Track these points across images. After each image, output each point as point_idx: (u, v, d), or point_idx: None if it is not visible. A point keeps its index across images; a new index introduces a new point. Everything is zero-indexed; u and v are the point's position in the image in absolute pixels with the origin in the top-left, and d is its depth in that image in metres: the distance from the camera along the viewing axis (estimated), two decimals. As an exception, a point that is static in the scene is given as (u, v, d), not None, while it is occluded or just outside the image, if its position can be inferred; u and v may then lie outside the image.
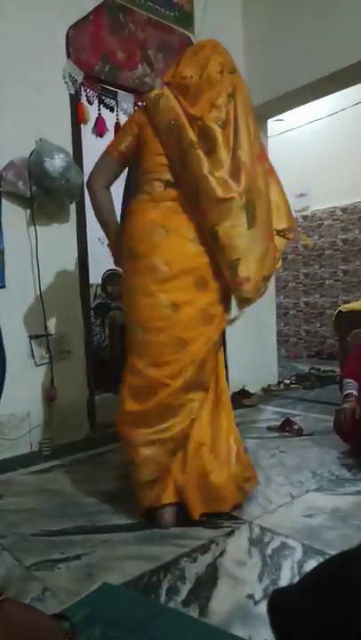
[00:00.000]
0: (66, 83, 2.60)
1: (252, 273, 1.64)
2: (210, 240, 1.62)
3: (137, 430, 1.59)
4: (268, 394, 3.58)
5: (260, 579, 1.27)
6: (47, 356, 2.49)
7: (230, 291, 1.71)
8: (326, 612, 0.55)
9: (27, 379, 2.44)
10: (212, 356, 1.67)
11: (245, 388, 3.37)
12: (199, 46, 1.80)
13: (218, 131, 1.58)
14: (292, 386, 3.77)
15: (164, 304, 1.59)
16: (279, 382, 3.80)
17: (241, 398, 3.28)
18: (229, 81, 1.70)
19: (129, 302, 1.66)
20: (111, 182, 1.78)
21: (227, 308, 1.75)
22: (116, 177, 1.80)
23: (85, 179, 2.46)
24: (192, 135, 1.58)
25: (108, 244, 1.82)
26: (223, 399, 1.75)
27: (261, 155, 1.73)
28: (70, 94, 2.61)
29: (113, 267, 4.04)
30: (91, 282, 2.81)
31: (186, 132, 1.58)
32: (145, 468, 1.58)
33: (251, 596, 1.20)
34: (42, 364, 2.49)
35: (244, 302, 1.74)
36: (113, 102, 2.77)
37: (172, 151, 1.63)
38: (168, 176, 1.64)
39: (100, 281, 3.77)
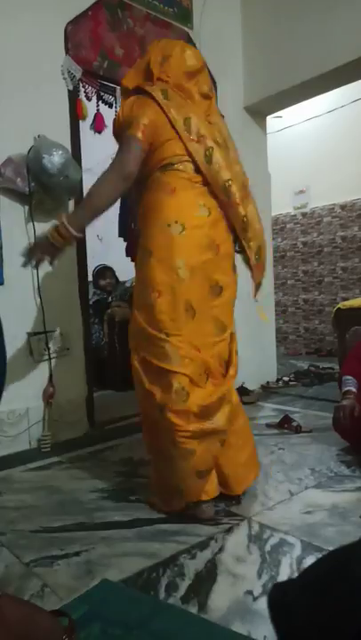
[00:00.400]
0: (64, 79, 2.59)
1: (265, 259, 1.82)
2: (238, 225, 1.74)
3: (198, 420, 1.56)
4: (267, 391, 3.59)
5: (260, 575, 1.28)
6: (46, 353, 2.48)
7: (253, 276, 1.85)
8: (326, 611, 0.55)
9: (25, 376, 2.44)
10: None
11: (244, 386, 3.37)
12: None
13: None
14: (291, 383, 3.78)
15: (214, 286, 1.66)
16: (278, 379, 3.80)
17: (240, 395, 3.27)
18: None
19: (180, 281, 1.60)
20: None
21: None
22: None
23: (84, 175, 2.47)
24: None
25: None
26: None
27: None
28: (69, 90, 2.60)
29: (103, 262, 4.09)
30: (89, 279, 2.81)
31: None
32: (203, 458, 1.57)
33: (250, 593, 1.20)
34: (41, 361, 2.48)
35: (258, 288, 1.88)
36: (112, 98, 2.76)
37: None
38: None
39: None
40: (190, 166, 1.68)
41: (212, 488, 1.63)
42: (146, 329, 1.61)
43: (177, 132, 1.67)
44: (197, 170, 1.68)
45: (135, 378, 1.68)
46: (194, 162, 1.68)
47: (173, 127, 1.66)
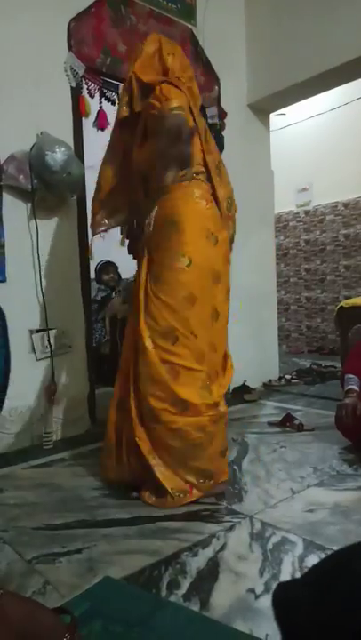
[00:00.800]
0: (67, 76, 2.58)
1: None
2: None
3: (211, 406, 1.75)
4: (269, 389, 3.58)
5: (261, 573, 1.27)
6: (48, 350, 2.48)
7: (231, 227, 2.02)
8: (327, 608, 0.54)
9: (28, 373, 2.44)
10: None
11: (246, 384, 3.37)
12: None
13: None
14: (293, 381, 3.77)
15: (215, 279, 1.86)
16: (280, 378, 3.80)
17: (242, 393, 3.28)
18: None
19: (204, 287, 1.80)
20: None
21: None
22: None
23: (86, 172, 2.48)
24: None
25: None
26: None
27: None
28: (72, 87, 2.60)
29: (106, 258, 4.09)
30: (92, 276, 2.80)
31: None
32: (220, 437, 1.78)
33: (252, 591, 1.20)
34: (43, 359, 2.48)
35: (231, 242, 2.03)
36: (114, 95, 2.75)
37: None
38: None
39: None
40: (204, 177, 1.85)
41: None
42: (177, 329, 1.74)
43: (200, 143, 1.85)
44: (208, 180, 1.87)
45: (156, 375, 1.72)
46: (207, 172, 1.78)
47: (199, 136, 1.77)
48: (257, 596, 1.18)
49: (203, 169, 1.87)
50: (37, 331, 2.46)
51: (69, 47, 2.58)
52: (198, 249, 1.76)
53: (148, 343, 1.72)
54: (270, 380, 3.71)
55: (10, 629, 0.57)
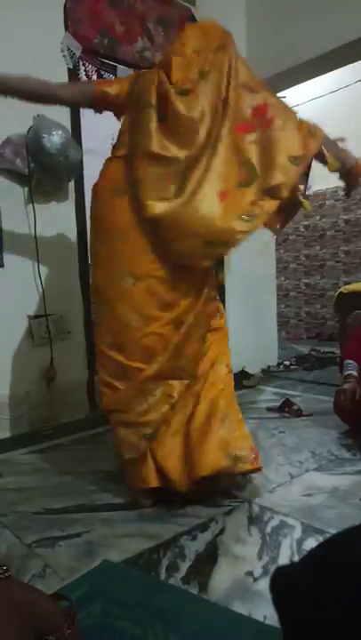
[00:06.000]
0: (64, 56, 2.53)
1: None
2: None
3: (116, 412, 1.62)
4: (268, 375, 3.59)
5: (260, 556, 1.28)
6: (46, 336, 2.48)
7: None
8: (328, 590, 0.54)
9: (26, 359, 2.44)
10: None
11: (245, 370, 3.37)
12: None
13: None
14: (292, 367, 3.78)
15: None
16: (279, 364, 3.80)
17: (241, 379, 3.28)
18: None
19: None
20: None
21: None
22: None
23: (85, 156, 2.44)
24: None
25: None
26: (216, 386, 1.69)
27: None
28: (69, 68, 2.55)
29: None
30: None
31: None
32: (123, 447, 1.61)
33: (250, 573, 1.21)
34: (41, 345, 2.48)
35: None
36: (112, 77, 2.70)
37: None
38: None
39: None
40: None
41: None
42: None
43: None
44: None
45: None
46: None
47: None
48: (255, 579, 1.18)
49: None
50: (36, 316, 2.45)
51: (66, 27, 2.53)
52: None
53: None
54: (269, 366, 3.71)
55: (19, 612, 0.57)
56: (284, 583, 0.60)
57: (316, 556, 0.62)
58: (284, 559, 1.26)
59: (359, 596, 0.49)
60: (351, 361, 2.29)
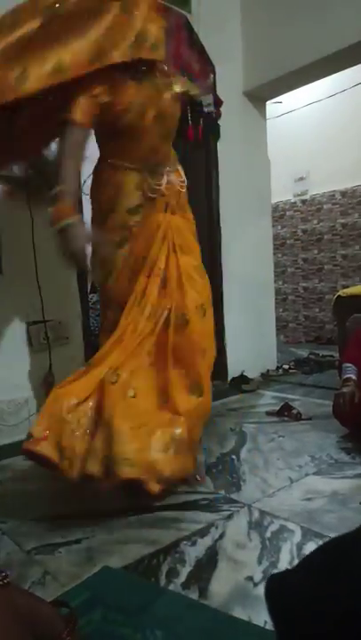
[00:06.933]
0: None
1: None
2: None
3: None
4: (267, 379, 3.59)
5: (260, 561, 1.28)
6: (45, 342, 2.48)
7: None
8: (326, 593, 0.54)
9: (25, 365, 2.43)
10: None
11: (244, 374, 3.37)
12: None
13: None
14: (290, 371, 3.77)
15: None
16: (278, 367, 3.80)
17: (240, 383, 3.28)
18: None
19: None
20: None
21: None
22: None
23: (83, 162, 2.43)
24: None
25: None
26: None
27: None
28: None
29: None
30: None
31: None
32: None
33: (250, 579, 1.21)
34: (40, 351, 2.47)
35: None
36: (109, 84, 2.71)
37: None
38: None
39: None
40: None
41: None
42: None
43: None
44: None
45: None
46: None
47: None
48: (255, 584, 1.18)
49: None
50: (34, 322, 2.45)
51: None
52: None
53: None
54: (268, 370, 3.71)
55: (19, 619, 0.57)
56: (280, 591, 0.60)
57: (311, 563, 0.62)
58: (284, 564, 1.26)
59: (357, 606, 0.50)
60: (350, 364, 2.29)
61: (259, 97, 3.63)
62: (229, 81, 3.42)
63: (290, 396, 3.01)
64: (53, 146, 2.25)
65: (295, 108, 5.42)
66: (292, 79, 3.36)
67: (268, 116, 3.81)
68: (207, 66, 3.26)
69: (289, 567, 1.20)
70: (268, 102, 3.76)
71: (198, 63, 3.16)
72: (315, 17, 3.02)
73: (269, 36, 3.32)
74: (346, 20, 2.87)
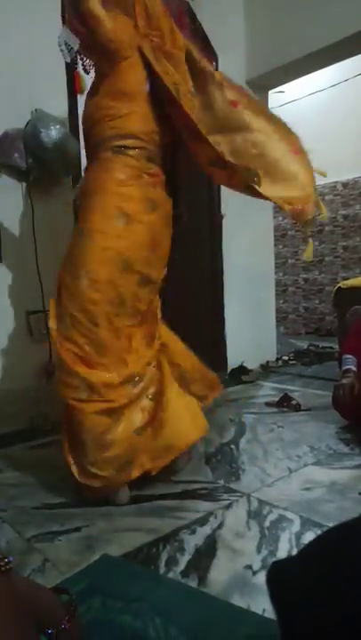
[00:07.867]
0: (62, 51, 2.51)
1: None
2: None
3: None
4: (267, 370, 3.59)
5: (259, 550, 1.29)
6: (45, 331, 2.47)
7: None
8: (326, 582, 0.54)
9: (25, 354, 2.43)
10: None
11: (244, 365, 3.38)
12: None
13: None
14: (290, 362, 3.78)
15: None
16: (278, 359, 3.81)
17: (240, 374, 3.28)
18: None
19: None
20: None
21: None
22: None
23: (82, 150, 2.42)
24: None
25: None
26: None
27: None
28: (66, 63, 2.53)
29: None
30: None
31: None
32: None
33: (249, 567, 1.21)
34: (40, 340, 2.47)
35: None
36: (110, 71, 2.69)
37: None
38: None
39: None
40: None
41: None
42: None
43: None
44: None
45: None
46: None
47: None
48: (254, 573, 1.19)
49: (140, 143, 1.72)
50: (34, 312, 2.45)
51: (63, 21, 2.51)
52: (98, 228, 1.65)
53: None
54: (268, 362, 3.71)
55: (20, 606, 0.57)
56: (282, 578, 0.60)
57: (314, 550, 0.62)
58: (282, 553, 1.27)
59: (357, 593, 0.50)
60: (350, 356, 2.29)
61: (261, 85, 3.60)
62: (232, 69, 3.37)
63: (289, 387, 3.02)
64: (52, 133, 2.23)
65: (297, 98, 5.38)
66: (294, 68, 3.33)
67: (270, 105, 3.78)
68: (210, 54, 3.22)
69: (285, 557, 1.21)
70: (270, 92, 3.73)
71: (201, 51, 3.13)
72: (317, 6, 2.99)
73: (272, 25, 3.29)
74: (349, 9, 2.85)
